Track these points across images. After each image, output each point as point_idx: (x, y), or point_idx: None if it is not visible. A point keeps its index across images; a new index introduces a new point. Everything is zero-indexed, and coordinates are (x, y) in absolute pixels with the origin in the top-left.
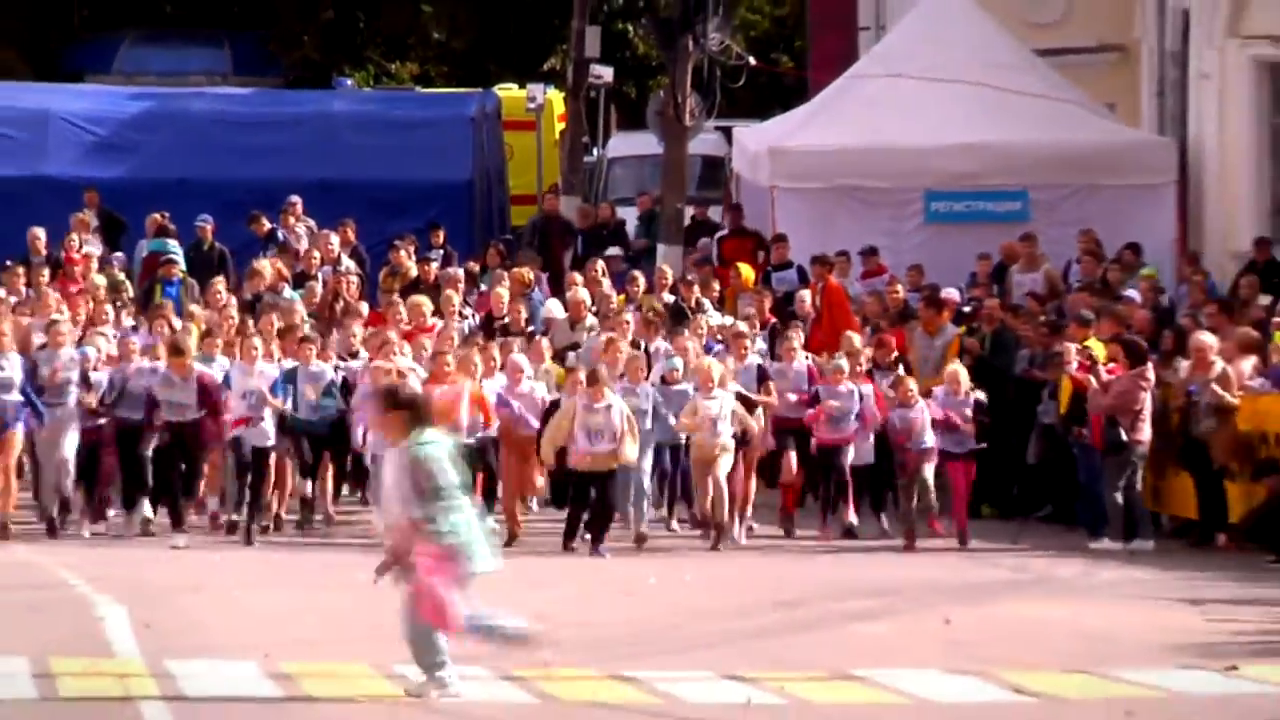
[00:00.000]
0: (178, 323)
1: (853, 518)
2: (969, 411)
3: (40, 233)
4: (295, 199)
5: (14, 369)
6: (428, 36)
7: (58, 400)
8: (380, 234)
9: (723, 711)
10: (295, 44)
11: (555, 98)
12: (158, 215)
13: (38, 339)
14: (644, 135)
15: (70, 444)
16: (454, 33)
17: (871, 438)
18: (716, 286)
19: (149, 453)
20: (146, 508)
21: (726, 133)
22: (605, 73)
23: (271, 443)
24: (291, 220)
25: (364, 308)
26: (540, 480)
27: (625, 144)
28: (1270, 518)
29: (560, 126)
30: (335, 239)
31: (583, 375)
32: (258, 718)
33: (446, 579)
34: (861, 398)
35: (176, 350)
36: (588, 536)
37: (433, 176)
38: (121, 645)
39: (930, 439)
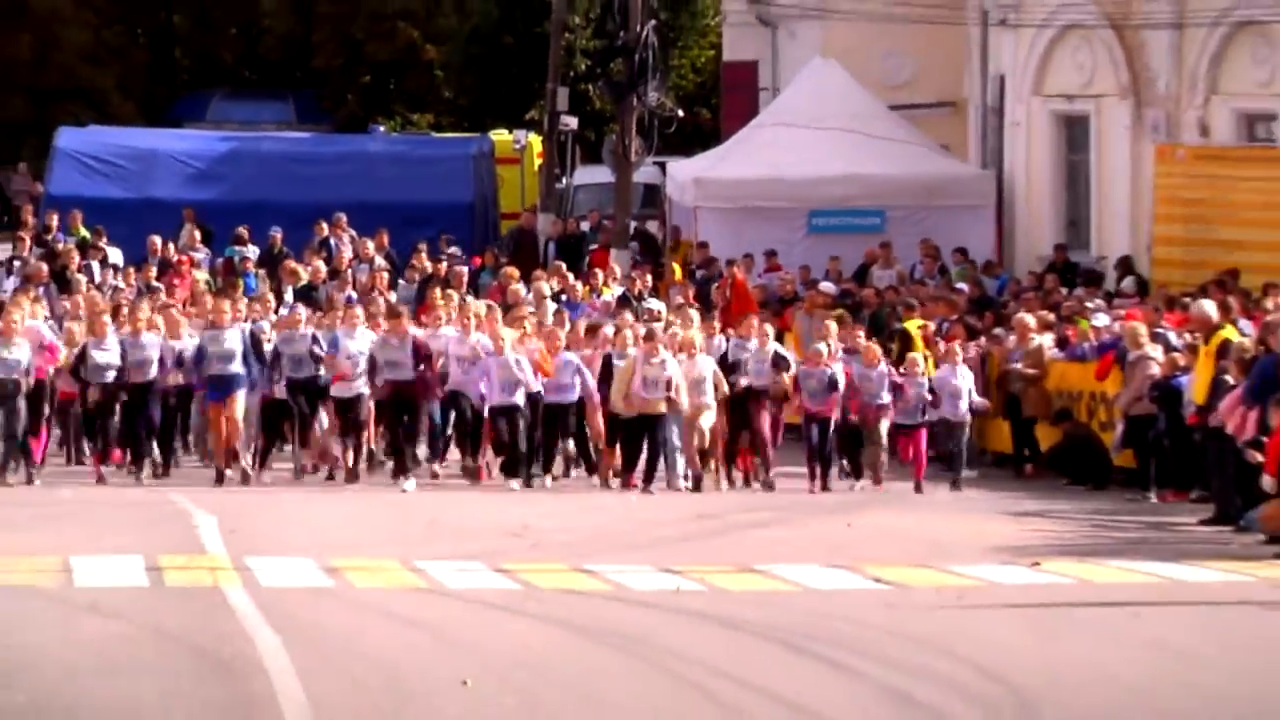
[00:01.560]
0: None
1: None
2: (923, 390)
3: (157, 240)
4: (341, 215)
5: (235, 341)
6: (440, 95)
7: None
8: (405, 241)
9: (659, 596)
10: (341, 100)
11: (535, 140)
12: (242, 230)
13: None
14: (601, 168)
15: (240, 406)
16: (460, 92)
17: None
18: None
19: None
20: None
21: (662, 166)
22: (571, 122)
23: (367, 393)
24: (339, 230)
25: (392, 296)
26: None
27: (587, 175)
28: (1065, 452)
29: (538, 162)
30: (371, 244)
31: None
32: (314, 600)
33: None
34: (834, 378)
35: (394, 314)
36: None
37: (443, 199)
38: (212, 546)
39: (886, 397)
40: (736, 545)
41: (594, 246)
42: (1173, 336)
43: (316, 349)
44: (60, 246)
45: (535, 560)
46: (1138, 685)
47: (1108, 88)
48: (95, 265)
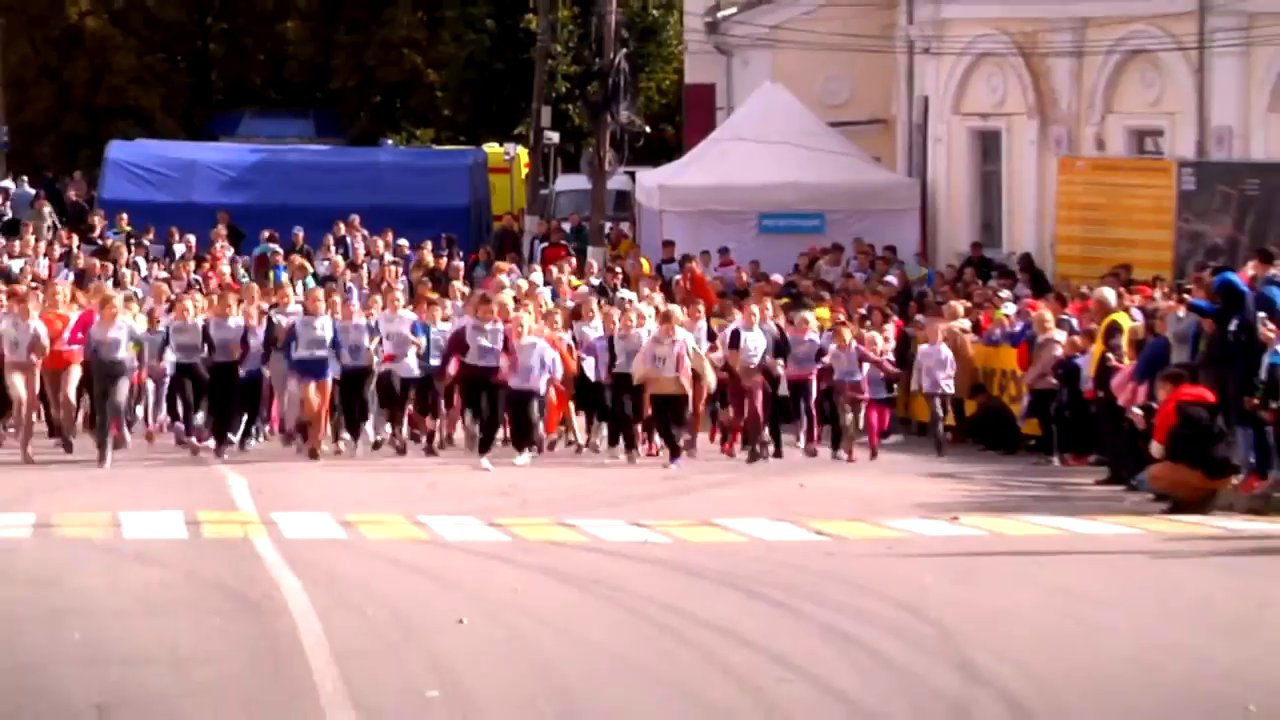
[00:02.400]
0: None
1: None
2: (889, 365)
3: (192, 238)
4: (355, 217)
5: (326, 329)
6: (440, 113)
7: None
8: (411, 240)
9: (629, 546)
10: (355, 117)
11: (522, 153)
12: (268, 231)
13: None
14: (579, 176)
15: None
16: (457, 111)
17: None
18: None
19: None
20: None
21: (632, 175)
22: (554, 136)
23: (417, 375)
24: (354, 230)
25: (399, 286)
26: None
27: (567, 182)
28: (980, 422)
29: (525, 171)
30: (381, 242)
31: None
32: (330, 550)
33: None
34: (820, 347)
35: (485, 300)
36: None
37: (444, 203)
38: (242, 503)
39: (859, 375)
40: (697, 502)
41: (544, 245)
42: (1074, 322)
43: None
44: (110, 243)
45: (523, 516)
46: (1045, 622)
47: (1017, 107)
48: (141, 260)
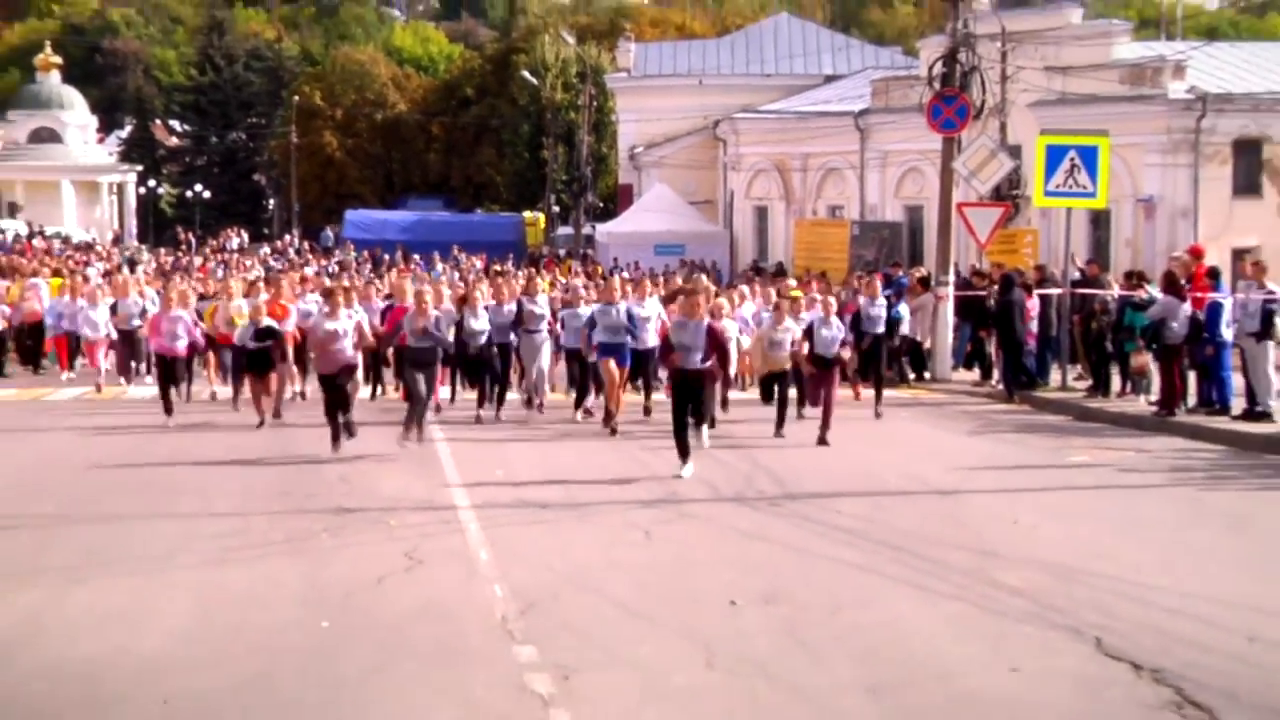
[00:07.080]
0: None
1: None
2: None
3: (386, 257)
4: (457, 247)
5: (622, 316)
6: (503, 197)
7: (536, 329)
8: (490, 259)
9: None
10: (464, 198)
11: (541, 217)
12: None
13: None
14: (569, 228)
15: (546, 358)
16: (510, 195)
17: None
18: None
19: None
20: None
21: (594, 227)
22: (556, 209)
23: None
24: (460, 254)
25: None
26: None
27: (563, 231)
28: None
29: (543, 225)
30: (477, 260)
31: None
32: (457, 427)
33: None
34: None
35: (691, 294)
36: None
37: (505, 239)
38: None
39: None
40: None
41: (545, 258)
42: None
43: (629, 320)
44: (344, 260)
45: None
46: (809, 453)
47: (776, 196)
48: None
